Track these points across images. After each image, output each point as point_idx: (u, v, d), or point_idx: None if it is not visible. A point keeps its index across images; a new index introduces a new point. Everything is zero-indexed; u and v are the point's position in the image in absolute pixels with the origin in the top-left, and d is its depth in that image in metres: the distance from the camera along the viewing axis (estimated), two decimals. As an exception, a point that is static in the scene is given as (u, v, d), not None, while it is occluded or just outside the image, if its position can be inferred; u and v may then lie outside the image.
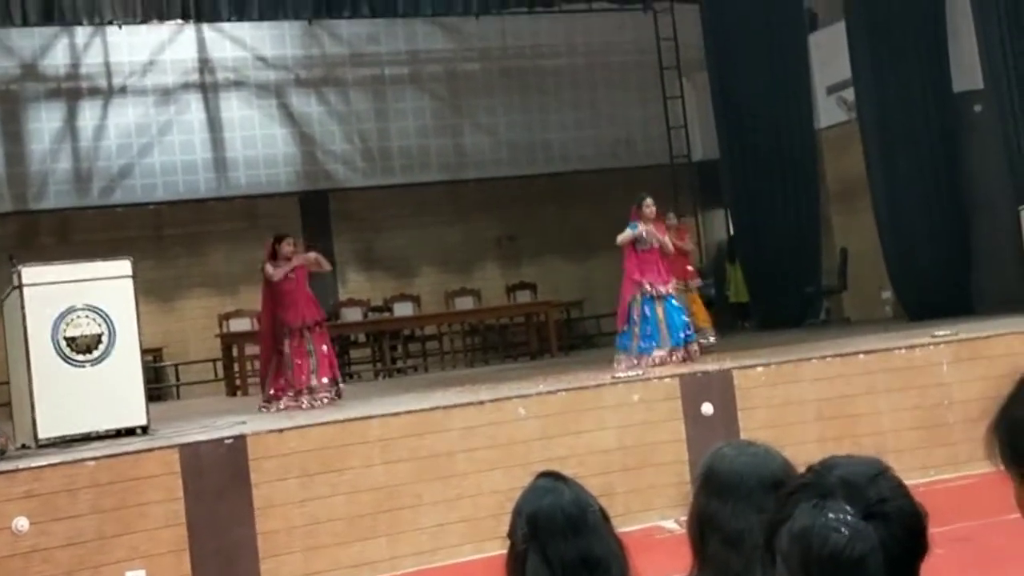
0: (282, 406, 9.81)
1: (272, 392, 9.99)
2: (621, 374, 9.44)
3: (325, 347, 10.14)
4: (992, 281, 13.48)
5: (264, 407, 9.97)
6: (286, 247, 10.04)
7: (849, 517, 1.45)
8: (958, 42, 13.71)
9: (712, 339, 11.99)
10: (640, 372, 9.54)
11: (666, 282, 10.43)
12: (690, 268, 12.36)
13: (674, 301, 10.42)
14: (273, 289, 10.01)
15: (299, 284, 10.03)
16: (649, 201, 10.51)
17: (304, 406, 9.73)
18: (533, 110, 17.83)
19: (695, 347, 10.47)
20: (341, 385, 10.28)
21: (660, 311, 10.27)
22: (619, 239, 10.39)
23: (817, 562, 1.43)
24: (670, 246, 10.76)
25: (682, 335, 10.30)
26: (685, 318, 10.51)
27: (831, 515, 1.45)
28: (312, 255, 10.33)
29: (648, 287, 10.28)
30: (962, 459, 9.14)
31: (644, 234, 10.34)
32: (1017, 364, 9.90)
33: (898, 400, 9.29)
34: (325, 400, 9.86)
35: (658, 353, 10.15)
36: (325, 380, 9.99)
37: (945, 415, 9.27)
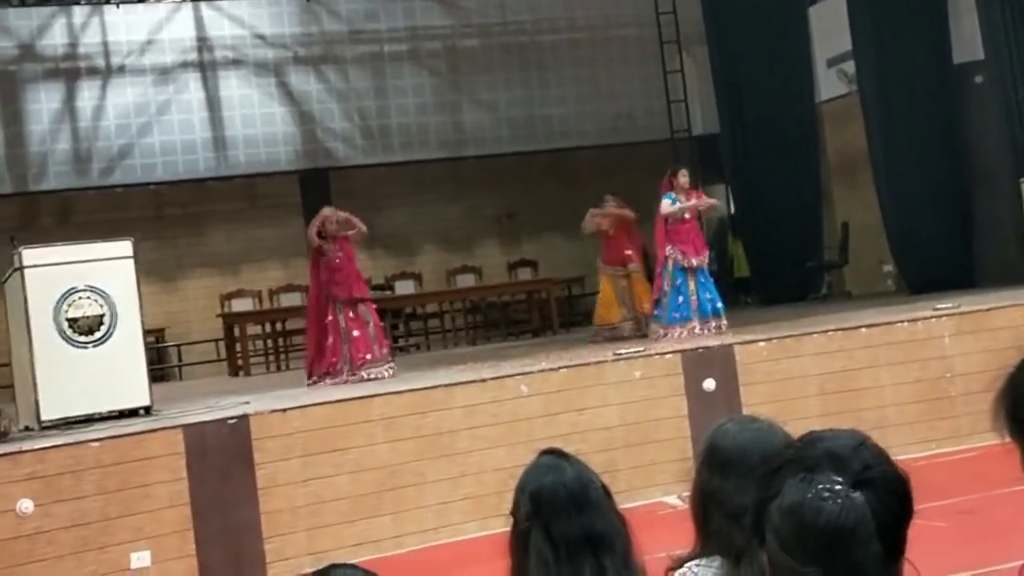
0: (341, 379, 9.80)
1: (326, 369, 9.98)
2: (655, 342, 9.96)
3: (379, 320, 10.42)
4: (993, 253, 13.46)
5: (316, 382, 9.97)
6: (329, 225, 10.13)
7: (838, 487, 1.45)
8: (958, 13, 13.66)
9: (640, 331, 11.49)
10: (673, 339, 10.08)
11: (699, 253, 10.60)
12: (628, 252, 11.96)
13: (706, 272, 10.63)
14: (323, 266, 10.07)
15: (350, 260, 10.13)
16: (684, 171, 10.80)
17: (366, 378, 9.76)
18: (533, 86, 17.77)
19: (723, 321, 10.55)
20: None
21: (692, 283, 10.47)
22: (664, 211, 10.61)
23: (813, 534, 1.43)
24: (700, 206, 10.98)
25: (710, 308, 10.46)
26: (711, 293, 10.62)
27: (820, 487, 1.45)
28: (343, 216, 10.32)
29: (680, 257, 10.48)
30: (964, 432, 9.16)
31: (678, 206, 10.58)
32: (1019, 336, 9.94)
33: (900, 374, 9.29)
34: (386, 373, 9.89)
35: (689, 325, 10.38)
36: (385, 351, 10.13)
37: (947, 388, 9.27)
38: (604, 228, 11.98)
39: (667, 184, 10.77)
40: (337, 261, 10.05)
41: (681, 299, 10.43)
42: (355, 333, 9.93)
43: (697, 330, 10.33)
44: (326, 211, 10.24)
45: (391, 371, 9.95)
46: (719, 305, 10.58)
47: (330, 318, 9.98)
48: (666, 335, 10.33)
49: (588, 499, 2.45)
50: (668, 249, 10.55)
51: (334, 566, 1.70)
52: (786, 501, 1.46)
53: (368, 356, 9.91)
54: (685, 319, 10.41)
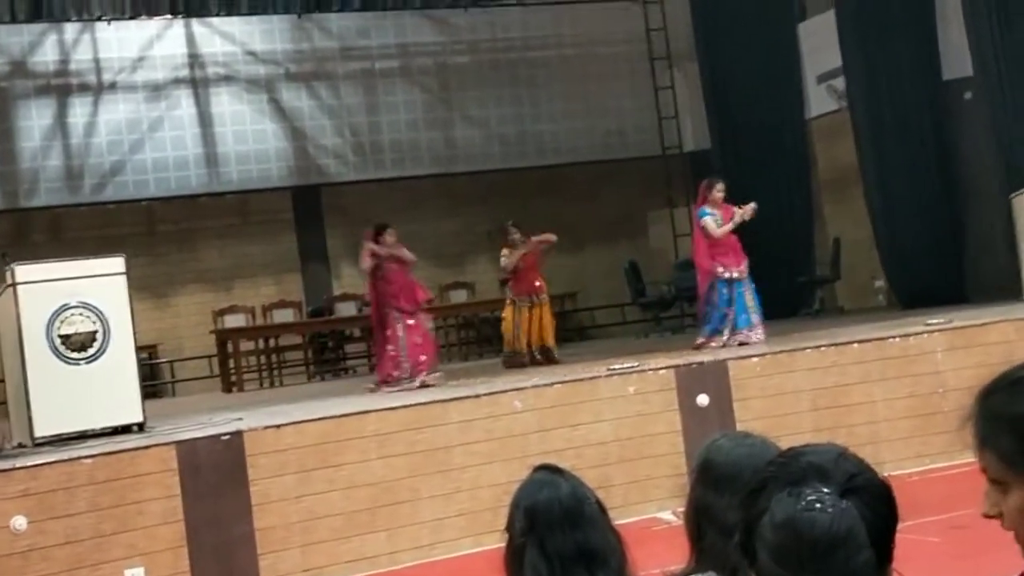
0: (401, 387, 10.01)
1: (386, 376, 10.24)
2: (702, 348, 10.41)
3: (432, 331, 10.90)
4: (984, 268, 13.49)
5: (377, 388, 10.22)
6: (388, 237, 10.38)
7: (827, 497, 1.47)
8: (947, 29, 13.72)
9: (551, 360, 11.58)
10: (712, 348, 10.38)
11: (739, 264, 10.76)
12: (538, 283, 11.84)
13: (744, 284, 10.75)
14: (380, 277, 10.33)
15: (406, 271, 10.45)
16: (721, 185, 10.94)
17: (425, 383, 10.00)
18: (524, 103, 17.82)
19: (758, 332, 10.66)
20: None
21: (731, 294, 10.68)
22: (716, 233, 10.70)
23: (808, 545, 1.45)
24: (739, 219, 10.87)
25: (744, 319, 10.64)
26: (752, 302, 10.78)
27: (810, 498, 1.47)
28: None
29: (721, 270, 10.71)
30: (958, 447, 9.10)
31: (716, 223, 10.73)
32: (1012, 351, 9.97)
33: (893, 389, 9.31)
34: (438, 380, 10.20)
35: (724, 336, 10.60)
36: (435, 359, 10.60)
37: (940, 403, 9.29)
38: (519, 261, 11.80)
39: (702, 197, 10.95)
40: (392, 273, 10.33)
41: (719, 311, 10.68)
42: (417, 340, 10.25)
43: (732, 341, 10.53)
44: (371, 246, 10.36)
45: (441, 379, 10.26)
46: (752, 317, 10.68)
47: (389, 328, 10.24)
48: (706, 344, 10.62)
49: (582, 515, 2.46)
50: (714, 266, 10.75)
51: None
52: (777, 516, 1.48)
53: (429, 362, 10.30)
54: (719, 331, 10.67)
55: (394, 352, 10.20)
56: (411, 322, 10.27)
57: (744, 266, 10.79)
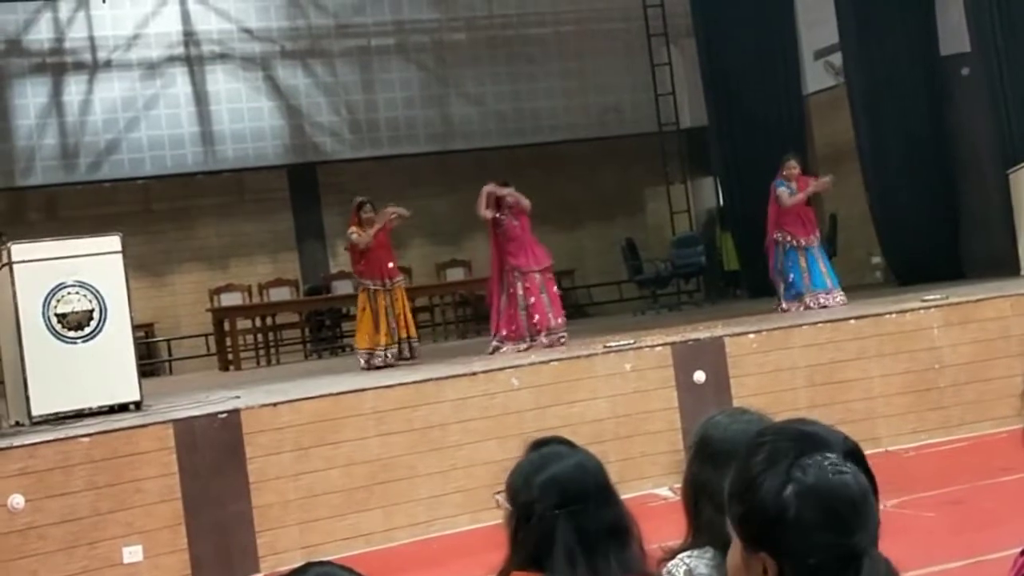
0: (521, 347, 10.08)
1: (505, 334, 10.26)
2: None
3: (556, 289, 10.66)
4: (981, 244, 13.50)
5: (497, 347, 10.25)
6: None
7: (840, 460, 1.52)
8: (945, 5, 13.69)
9: (414, 355, 10.60)
10: (795, 312, 10.92)
11: (808, 234, 11.34)
12: (391, 265, 10.61)
13: (815, 251, 11.37)
14: (501, 235, 10.39)
15: (525, 230, 10.39)
16: (793, 163, 11.48)
17: (541, 345, 10.02)
18: (520, 79, 17.77)
19: (835, 297, 11.23)
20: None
21: (803, 261, 11.24)
22: (788, 202, 11.19)
23: (847, 505, 1.49)
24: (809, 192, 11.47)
25: (822, 282, 11.27)
26: (825, 268, 11.41)
27: (828, 464, 1.51)
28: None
29: (789, 239, 11.24)
30: (953, 423, 9.20)
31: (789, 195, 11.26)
32: (1007, 327, 9.97)
33: (889, 365, 9.32)
34: (562, 340, 10.13)
35: (805, 299, 11.14)
36: (560, 320, 10.35)
37: (936, 379, 9.30)
38: (371, 239, 10.44)
39: (780, 172, 11.50)
40: (513, 231, 10.35)
41: (792, 276, 11.24)
42: (531, 300, 10.21)
43: (812, 303, 11.09)
44: (489, 188, 10.48)
45: (564, 340, 10.15)
46: (829, 281, 11.30)
47: (509, 288, 10.28)
48: (788, 310, 11.14)
49: (611, 489, 2.44)
50: (777, 234, 11.31)
51: (310, 564, 1.70)
52: (807, 482, 1.49)
53: (543, 322, 10.18)
54: (799, 295, 11.21)
55: (512, 311, 10.27)
56: (527, 284, 10.22)
57: (813, 236, 11.36)
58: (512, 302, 10.25)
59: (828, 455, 1.51)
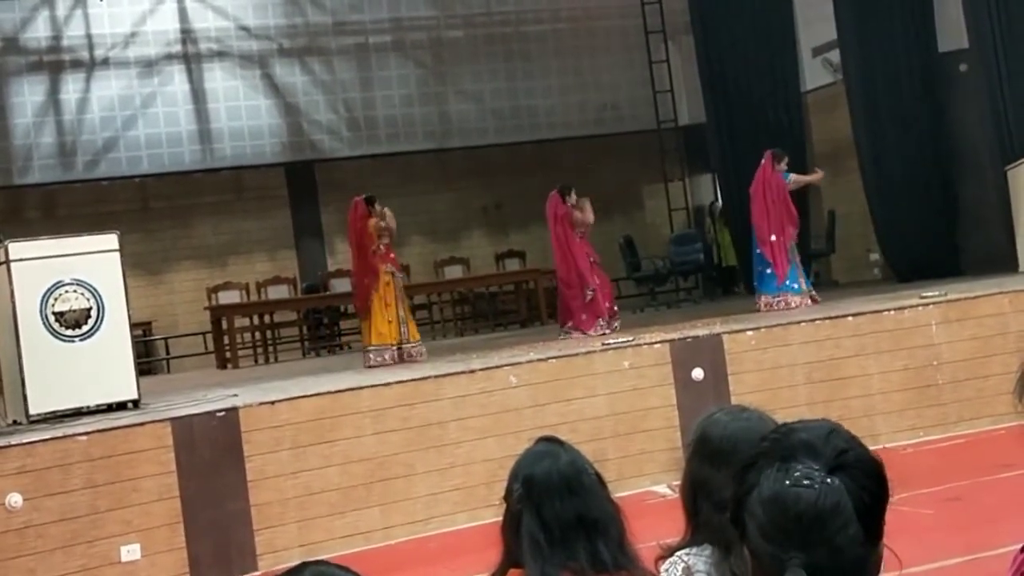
0: (595, 332, 10.79)
1: (576, 323, 11.08)
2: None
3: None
4: (979, 241, 13.50)
5: (568, 332, 11.07)
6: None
7: (815, 473, 1.47)
8: (943, 1, 13.68)
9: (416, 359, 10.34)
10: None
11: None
12: (392, 256, 10.41)
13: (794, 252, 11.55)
14: (582, 236, 11.25)
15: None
16: (786, 158, 11.84)
17: (606, 331, 10.80)
18: (518, 77, 17.77)
19: (805, 299, 11.40)
20: None
21: (797, 258, 11.56)
22: (789, 186, 11.60)
23: (793, 521, 1.45)
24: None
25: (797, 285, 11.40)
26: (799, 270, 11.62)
27: (797, 474, 1.47)
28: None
29: (775, 238, 11.40)
30: (952, 420, 9.20)
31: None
32: (1006, 323, 9.94)
33: (887, 362, 9.31)
34: (617, 325, 11.06)
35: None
36: (616, 308, 11.46)
37: (935, 376, 9.30)
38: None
39: (780, 165, 11.75)
40: (585, 234, 11.28)
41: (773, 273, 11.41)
42: (606, 291, 11.32)
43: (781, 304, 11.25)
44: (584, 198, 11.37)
45: (617, 325, 11.10)
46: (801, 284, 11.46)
47: (598, 277, 11.21)
48: (770, 305, 11.28)
49: (581, 484, 2.48)
50: (767, 230, 11.47)
51: (306, 564, 1.69)
52: (765, 491, 1.48)
53: (610, 310, 11.19)
54: (779, 292, 11.36)
55: (592, 302, 11.05)
56: (596, 279, 11.15)
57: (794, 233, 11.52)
58: (604, 287, 11.29)
59: (804, 465, 1.48)
